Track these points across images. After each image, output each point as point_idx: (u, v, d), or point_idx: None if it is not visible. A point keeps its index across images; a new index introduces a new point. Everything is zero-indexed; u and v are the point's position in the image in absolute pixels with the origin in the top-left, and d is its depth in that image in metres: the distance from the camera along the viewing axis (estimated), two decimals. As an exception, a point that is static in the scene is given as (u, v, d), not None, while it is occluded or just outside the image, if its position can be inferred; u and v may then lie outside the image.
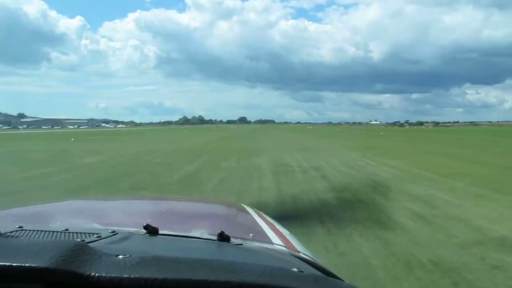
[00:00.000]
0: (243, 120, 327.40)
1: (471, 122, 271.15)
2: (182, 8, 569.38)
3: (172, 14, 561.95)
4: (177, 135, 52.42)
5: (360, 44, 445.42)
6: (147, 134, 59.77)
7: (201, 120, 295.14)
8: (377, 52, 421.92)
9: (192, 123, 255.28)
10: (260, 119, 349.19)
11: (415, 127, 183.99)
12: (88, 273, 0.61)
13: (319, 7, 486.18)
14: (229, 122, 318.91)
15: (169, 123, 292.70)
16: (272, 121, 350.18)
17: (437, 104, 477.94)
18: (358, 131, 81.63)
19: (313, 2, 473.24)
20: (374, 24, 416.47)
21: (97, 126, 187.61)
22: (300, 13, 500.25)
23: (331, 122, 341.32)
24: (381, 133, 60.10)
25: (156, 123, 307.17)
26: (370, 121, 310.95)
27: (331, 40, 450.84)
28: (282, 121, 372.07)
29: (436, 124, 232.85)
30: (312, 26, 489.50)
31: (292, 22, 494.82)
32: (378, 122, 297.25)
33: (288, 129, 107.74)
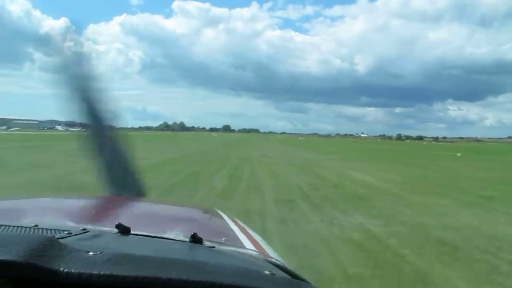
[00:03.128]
0: (226, 129, 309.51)
1: (461, 138, 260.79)
2: (169, 14, 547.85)
3: (159, 19, 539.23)
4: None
5: (345, 56, 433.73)
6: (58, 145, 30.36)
7: (181, 127, 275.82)
8: (362, 65, 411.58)
9: (172, 130, 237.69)
10: (245, 128, 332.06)
11: (416, 141, 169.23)
12: (56, 268, 0.59)
13: (306, 18, 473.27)
14: (212, 129, 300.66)
15: (148, 128, 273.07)
16: (257, 131, 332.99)
17: (420, 119, 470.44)
18: (384, 146, 62.94)
19: (300, 13, 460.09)
20: (360, 37, 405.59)
21: (50, 128, 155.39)
22: (287, 23, 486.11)
23: (316, 133, 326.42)
24: (459, 155, 41.33)
25: (136, 128, 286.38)
26: (358, 134, 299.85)
27: (317, 51, 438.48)
28: (267, 131, 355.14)
29: (435, 139, 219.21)
30: (298, 37, 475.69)
31: (278, 32, 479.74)
32: (366, 135, 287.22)
33: (278, 140, 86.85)
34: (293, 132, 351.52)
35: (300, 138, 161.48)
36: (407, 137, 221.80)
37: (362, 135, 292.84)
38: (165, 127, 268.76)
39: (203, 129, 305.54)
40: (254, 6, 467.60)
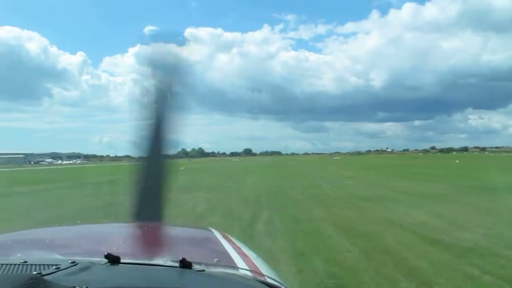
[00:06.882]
0: (248, 152, 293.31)
1: (497, 147, 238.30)
2: (181, 41, 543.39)
3: (171, 48, 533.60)
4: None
5: (360, 73, 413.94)
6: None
7: (201, 153, 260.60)
8: (377, 80, 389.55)
9: (191, 156, 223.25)
10: (266, 151, 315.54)
11: (464, 153, 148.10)
12: None
13: (319, 38, 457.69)
14: (232, 154, 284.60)
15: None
16: (279, 153, 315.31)
17: (440, 131, 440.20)
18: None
19: (312, 32, 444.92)
20: (374, 53, 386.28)
21: (36, 162, 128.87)
22: (300, 44, 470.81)
23: (338, 152, 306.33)
24: None
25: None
26: (387, 149, 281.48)
27: (331, 70, 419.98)
28: (289, 152, 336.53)
29: (482, 149, 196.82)
30: (312, 57, 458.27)
31: (292, 53, 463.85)
32: (390, 150, 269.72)
33: (318, 163, 67.07)
34: (314, 152, 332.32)
35: (335, 157, 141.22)
36: (449, 149, 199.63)
37: (393, 150, 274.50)
38: (184, 154, 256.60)
39: (223, 154, 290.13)
40: (266, 28, 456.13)
